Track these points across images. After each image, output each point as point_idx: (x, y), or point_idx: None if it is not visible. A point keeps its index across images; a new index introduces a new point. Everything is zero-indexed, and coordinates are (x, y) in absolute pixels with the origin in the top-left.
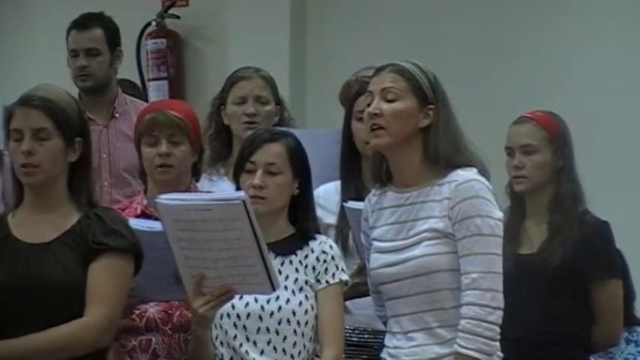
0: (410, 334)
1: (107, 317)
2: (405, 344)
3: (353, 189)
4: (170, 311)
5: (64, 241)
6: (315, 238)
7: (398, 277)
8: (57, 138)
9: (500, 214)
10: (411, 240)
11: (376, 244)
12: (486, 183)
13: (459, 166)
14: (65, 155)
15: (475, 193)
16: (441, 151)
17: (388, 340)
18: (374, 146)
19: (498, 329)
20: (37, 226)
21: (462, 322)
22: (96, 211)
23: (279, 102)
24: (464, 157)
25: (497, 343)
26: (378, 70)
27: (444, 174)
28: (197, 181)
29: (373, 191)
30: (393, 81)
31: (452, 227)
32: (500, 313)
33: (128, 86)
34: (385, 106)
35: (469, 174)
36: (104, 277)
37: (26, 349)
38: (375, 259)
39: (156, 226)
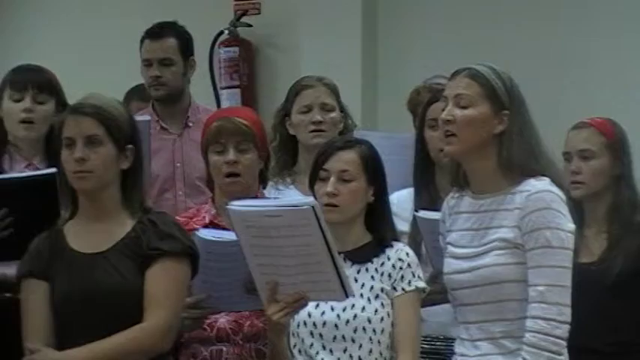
0: (476, 343)
1: (166, 322)
2: (472, 352)
3: (426, 197)
4: (241, 321)
5: (119, 249)
6: (392, 246)
7: (467, 285)
8: (109, 144)
9: (571, 226)
10: (482, 248)
11: (450, 248)
12: (559, 194)
13: (533, 176)
14: (117, 162)
15: (546, 205)
16: (514, 158)
17: (457, 347)
18: (447, 153)
19: (564, 343)
20: (92, 236)
21: (528, 335)
22: (149, 216)
23: (342, 109)
24: (540, 165)
25: (563, 357)
26: (454, 75)
27: (518, 182)
28: (264, 188)
29: (452, 194)
30: (466, 86)
31: (521, 238)
32: (567, 327)
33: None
34: (458, 113)
35: (542, 184)
36: (161, 283)
37: (86, 358)
38: (448, 264)
39: (225, 235)
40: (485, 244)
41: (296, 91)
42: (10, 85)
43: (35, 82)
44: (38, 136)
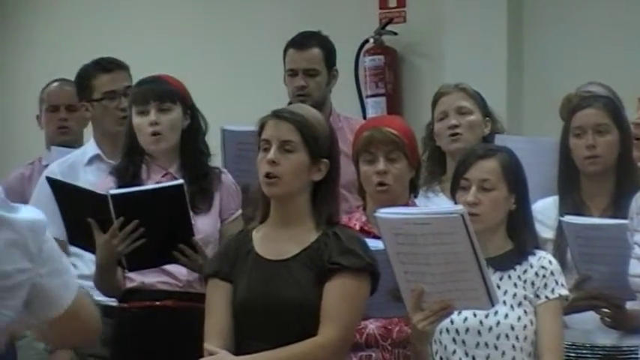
0: None
1: (340, 338)
2: None
3: (571, 204)
4: (390, 327)
5: (301, 259)
6: (534, 253)
7: None
8: (303, 152)
9: None
10: None
11: (637, 250)
12: None
13: None
14: (309, 172)
15: None
16: None
17: None
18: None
19: None
20: (278, 242)
21: None
22: (334, 229)
23: (488, 114)
24: None
25: None
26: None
27: None
28: (415, 196)
29: None
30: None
31: None
32: None
33: None
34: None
35: None
36: (339, 298)
37: None
38: (634, 267)
39: (373, 244)
40: None
41: (434, 100)
42: (134, 101)
43: (156, 92)
44: (169, 146)
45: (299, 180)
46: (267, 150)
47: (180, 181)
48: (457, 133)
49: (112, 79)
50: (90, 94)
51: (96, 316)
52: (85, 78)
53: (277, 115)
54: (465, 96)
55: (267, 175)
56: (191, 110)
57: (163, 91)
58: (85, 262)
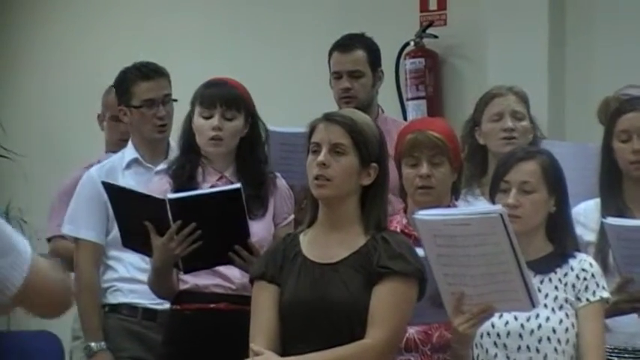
0: None
1: (388, 341)
2: None
3: (613, 208)
4: (430, 332)
5: (350, 262)
6: (574, 256)
7: None
8: (353, 156)
9: None
10: None
11: None
12: None
13: None
14: (359, 176)
15: None
16: None
17: None
18: None
19: None
20: (326, 246)
21: None
22: (383, 234)
23: (531, 120)
24: None
25: None
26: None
27: None
28: (457, 199)
29: None
30: None
31: None
32: None
33: None
34: None
35: None
36: (387, 301)
37: None
38: None
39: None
40: None
41: (486, 100)
42: (199, 102)
43: (223, 98)
44: (227, 151)
45: (349, 183)
46: (316, 153)
47: (238, 184)
48: (513, 137)
49: (152, 87)
50: (129, 100)
51: (63, 286)
52: (125, 83)
53: (328, 118)
54: (519, 100)
55: (317, 178)
56: (252, 118)
57: (230, 98)
58: (124, 266)
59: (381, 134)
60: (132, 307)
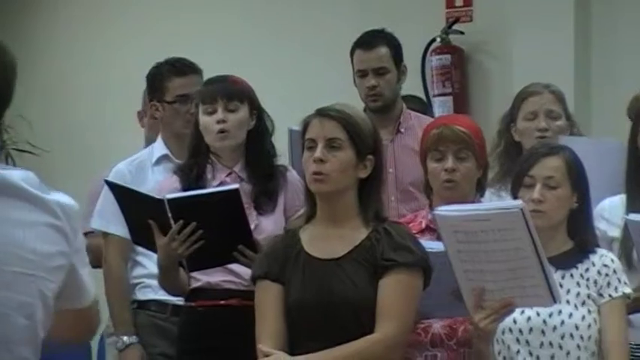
0: None
1: (397, 334)
2: None
3: (639, 204)
4: (455, 326)
5: (353, 257)
6: (595, 252)
7: None
8: (349, 150)
9: None
10: None
11: None
12: None
13: None
14: (356, 169)
15: None
16: None
17: None
18: None
19: None
20: (328, 241)
21: None
22: (384, 226)
23: (569, 117)
24: None
25: None
26: None
27: None
28: (482, 196)
29: None
30: None
31: None
32: None
33: (416, 102)
34: None
35: None
36: (394, 294)
37: None
38: None
39: (434, 246)
40: None
41: (522, 97)
42: (202, 100)
43: (223, 91)
44: (235, 144)
45: (346, 177)
46: (312, 149)
47: (236, 185)
48: (545, 137)
49: (186, 83)
50: (162, 96)
51: (99, 318)
52: (158, 78)
53: (322, 113)
54: (555, 99)
55: (315, 173)
56: (257, 111)
57: (231, 91)
58: (153, 262)
59: (374, 126)
60: (161, 304)
